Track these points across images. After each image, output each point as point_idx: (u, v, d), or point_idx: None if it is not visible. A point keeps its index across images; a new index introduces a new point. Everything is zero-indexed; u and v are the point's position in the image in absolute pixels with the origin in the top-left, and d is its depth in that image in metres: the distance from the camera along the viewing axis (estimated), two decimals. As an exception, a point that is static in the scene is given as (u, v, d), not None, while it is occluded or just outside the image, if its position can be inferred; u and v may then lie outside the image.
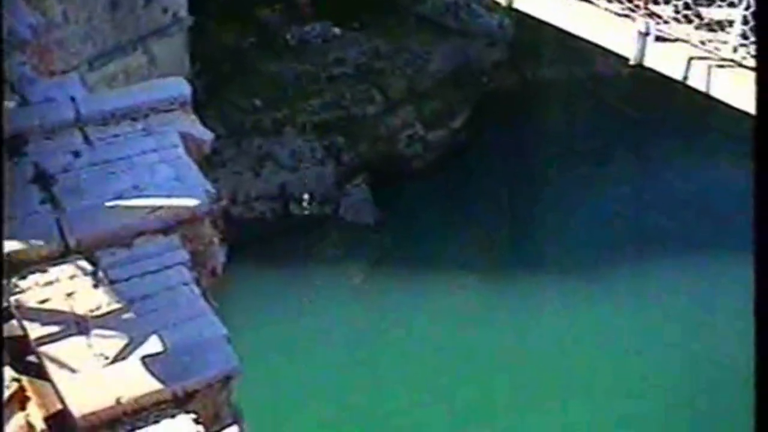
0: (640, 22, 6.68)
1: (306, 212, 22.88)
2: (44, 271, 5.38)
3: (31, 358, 5.03)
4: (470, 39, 26.35)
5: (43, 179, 5.87)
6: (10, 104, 6.26)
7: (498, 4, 8.11)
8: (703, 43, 6.50)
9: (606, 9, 7.08)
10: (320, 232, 22.52)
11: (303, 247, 21.78)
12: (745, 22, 6.27)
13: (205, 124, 6.73)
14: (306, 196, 22.80)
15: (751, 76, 6.19)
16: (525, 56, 26.74)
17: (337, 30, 25.22)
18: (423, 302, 20.46)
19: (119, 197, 5.71)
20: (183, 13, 21.94)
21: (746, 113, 6.16)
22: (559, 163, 24.18)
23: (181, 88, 6.55)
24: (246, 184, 22.66)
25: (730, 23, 6.40)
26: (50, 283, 5.33)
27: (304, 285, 20.62)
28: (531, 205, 23.31)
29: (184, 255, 5.62)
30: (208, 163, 8.12)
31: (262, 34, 24.75)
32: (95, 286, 5.33)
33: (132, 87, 7.62)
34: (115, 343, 5.00)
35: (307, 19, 25.21)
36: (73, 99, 6.32)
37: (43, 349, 4.99)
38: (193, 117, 6.50)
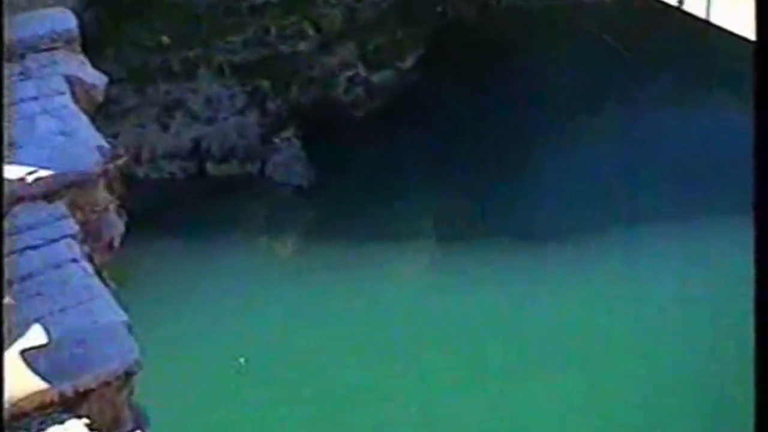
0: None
1: (225, 172, 22.78)
2: None
3: None
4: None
5: None
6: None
7: None
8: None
9: None
10: (242, 196, 22.44)
11: (221, 215, 21.66)
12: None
13: (98, 66, 6.64)
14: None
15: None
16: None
17: (260, -53, 25.00)
18: (366, 278, 20.41)
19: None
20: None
21: (747, 40, 6.21)
22: (531, 109, 24.23)
23: (66, 21, 6.44)
24: (151, 139, 22.52)
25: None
26: None
27: (222, 260, 20.52)
28: (497, 161, 23.23)
29: (72, 226, 5.55)
30: (103, 113, 8.03)
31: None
32: (-37, 265, 5.25)
33: (3, 20, 7.46)
34: (-11, 334, 4.94)
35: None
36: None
37: None
38: (82, 57, 6.40)
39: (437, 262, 21.71)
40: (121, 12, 22.94)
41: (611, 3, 24.62)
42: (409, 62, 25.29)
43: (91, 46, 7.78)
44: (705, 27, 6.49)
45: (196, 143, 22.78)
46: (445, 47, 25.47)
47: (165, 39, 23.09)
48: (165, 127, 22.70)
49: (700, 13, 6.04)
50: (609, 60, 25.18)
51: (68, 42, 6.39)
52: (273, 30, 23.91)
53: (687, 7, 6.14)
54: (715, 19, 6.13)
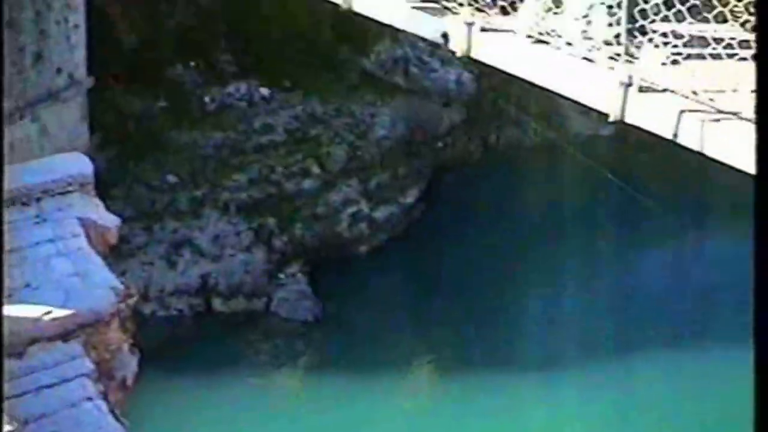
0: (622, 71, 6.80)
1: (232, 308, 22.77)
2: None
3: None
4: (423, 98, 26.63)
5: None
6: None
7: (454, 55, 8.22)
8: (695, 93, 6.62)
9: (582, 57, 7.20)
10: (249, 332, 22.40)
11: (229, 351, 21.61)
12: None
13: (109, 207, 6.71)
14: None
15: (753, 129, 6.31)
16: (487, 117, 27.06)
17: (264, 91, 25.37)
18: (372, 413, 20.33)
19: (8, 297, 5.65)
20: (80, 73, 21.96)
21: (746, 173, 6.27)
22: (529, 243, 24.32)
23: (81, 165, 6.55)
24: (159, 276, 22.54)
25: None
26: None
27: (231, 396, 20.42)
28: (497, 293, 23.30)
29: (87, 365, 5.56)
30: (115, 252, 8.07)
31: (175, 97, 24.77)
32: (-20, 405, 5.24)
33: (21, 165, 7.56)
34: (5, 474, 4.91)
35: (228, 79, 25.33)
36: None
37: None
38: (96, 200, 6.48)
39: (441, 393, 21.57)
40: (131, 153, 23.26)
41: (607, 136, 24.82)
42: (410, 198, 25.46)
43: (103, 186, 7.88)
44: (701, 159, 6.60)
45: (204, 280, 22.80)
46: (446, 183, 25.67)
47: (172, 179, 23.29)
48: (172, 265, 22.74)
49: (695, 146, 6.15)
50: (604, 192, 25.35)
51: (83, 185, 6.47)
52: (278, 168, 24.14)
53: (681, 140, 6.26)
54: (709, 152, 6.23)
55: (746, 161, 6.22)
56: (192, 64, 25.35)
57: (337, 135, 25.18)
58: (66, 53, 21.67)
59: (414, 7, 8.54)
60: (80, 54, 21.97)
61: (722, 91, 6.55)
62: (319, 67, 25.94)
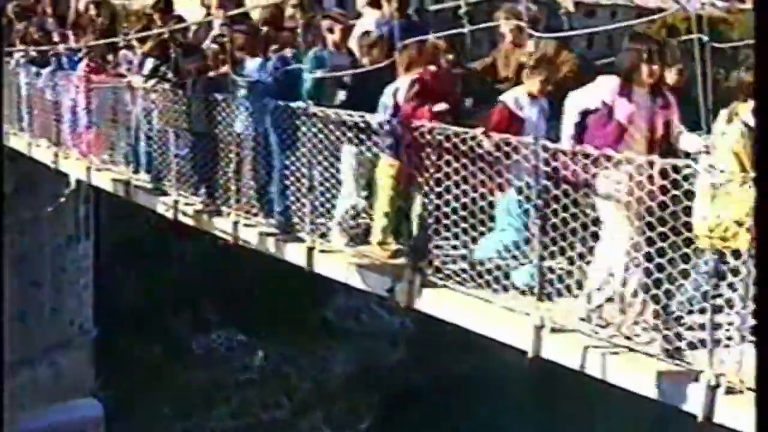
0: (536, 316, 6.99)
1: None
2: None
3: None
4: (373, 340, 26.74)
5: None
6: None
7: (398, 305, 8.36)
8: (596, 332, 6.80)
9: (503, 306, 7.39)
10: None
11: None
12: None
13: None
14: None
15: (643, 359, 6.49)
16: (429, 354, 27.08)
17: (242, 337, 25.44)
18: None
19: None
20: (88, 324, 22.00)
21: (643, 397, 6.42)
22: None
23: (94, 409, 6.60)
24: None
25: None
26: None
27: None
28: None
29: None
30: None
31: (170, 343, 24.79)
32: None
33: (44, 408, 7.59)
34: None
35: (212, 327, 25.43)
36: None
37: None
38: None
39: None
40: (131, 391, 22.97)
41: (531, 367, 24.83)
42: (365, 424, 25.25)
43: (107, 419, 7.87)
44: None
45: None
46: (397, 410, 25.46)
47: (167, 411, 23.00)
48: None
49: (599, 375, 6.25)
50: (527, 419, 25.05)
51: (95, 426, 6.51)
52: (255, 401, 24.03)
53: (587, 370, 6.34)
54: (610, 379, 6.38)
55: (641, 386, 6.39)
56: (183, 315, 25.49)
57: (304, 372, 25.17)
58: (77, 307, 21.77)
59: (361, 266, 8.70)
60: (88, 308, 22.08)
61: (618, 328, 6.74)
62: (287, 317, 26.08)
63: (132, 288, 24.98)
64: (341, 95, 8.99)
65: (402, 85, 8.39)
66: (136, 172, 12.68)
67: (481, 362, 26.16)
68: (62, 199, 18.55)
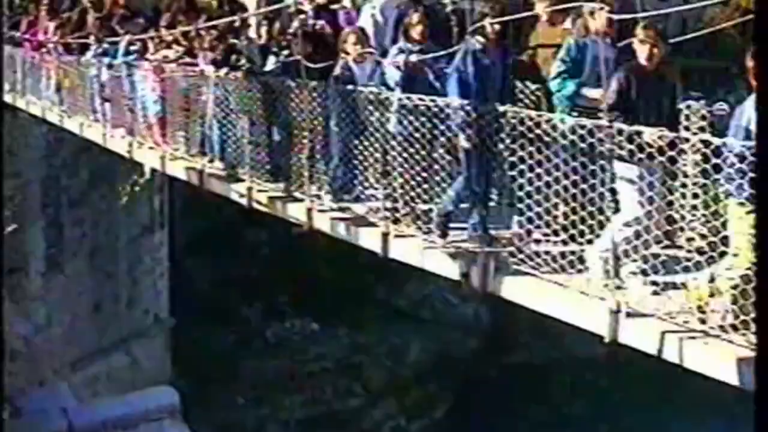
0: (611, 300, 6.96)
1: None
2: None
3: None
4: (447, 328, 26.70)
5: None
6: (3, 415, 6.34)
7: (472, 290, 8.33)
8: (672, 316, 6.76)
9: (579, 291, 7.37)
10: None
11: None
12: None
13: (192, 427, 6.83)
14: None
15: (722, 344, 6.43)
16: (502, 343, 27.00)
17: (315, 326, 25.57)
18: None
19: None
20: (164, 314, 22.29)
21: (722, 382, 6.37)
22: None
23: (170, 397, 6.71)
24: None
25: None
26: None
27: None
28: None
29: None
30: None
31: (244, 333, 25.01)
32: None
33: (122, 396, 7.74)
34: None
35: (287, 316, 25.60)
36: (64, 410, 6.44)
37: None
38: (182, 425, 6.61)
39: None
40: (207, 379, 23.26)
41: (603, 354, 24.65)
42: (440, 412, 25.26)
43: (184, 408, 7.99)
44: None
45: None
46: (471, 399, 25.43)
47: (240, 400, 23.26)
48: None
49: (676, 361, 6.22)
50: (601, 404, 24.87)
51: (171, 413, 6.62)
52: (328, 390, 24.14)
53: (665, 356, 6.33)
54: (688, 364, 6.32)
55: (720, 372, 6.32)
56: (256, 304, 25.67)
57: (377, 361, 25.22)
58: (152, 298, 22.08)
59: (435, 251, 8.66)
60: (164, 298, 22.37)
61: (691, 313, 6.69)
62: (361, 306, 26.15)
63: (206, 277, 25.25)
64: None
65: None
66: (210, 161, 12.75)
67: (554, 351, 26.09)
68: (137, 188, 18.84)
